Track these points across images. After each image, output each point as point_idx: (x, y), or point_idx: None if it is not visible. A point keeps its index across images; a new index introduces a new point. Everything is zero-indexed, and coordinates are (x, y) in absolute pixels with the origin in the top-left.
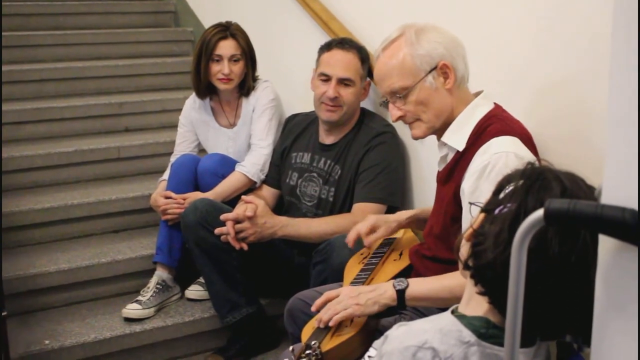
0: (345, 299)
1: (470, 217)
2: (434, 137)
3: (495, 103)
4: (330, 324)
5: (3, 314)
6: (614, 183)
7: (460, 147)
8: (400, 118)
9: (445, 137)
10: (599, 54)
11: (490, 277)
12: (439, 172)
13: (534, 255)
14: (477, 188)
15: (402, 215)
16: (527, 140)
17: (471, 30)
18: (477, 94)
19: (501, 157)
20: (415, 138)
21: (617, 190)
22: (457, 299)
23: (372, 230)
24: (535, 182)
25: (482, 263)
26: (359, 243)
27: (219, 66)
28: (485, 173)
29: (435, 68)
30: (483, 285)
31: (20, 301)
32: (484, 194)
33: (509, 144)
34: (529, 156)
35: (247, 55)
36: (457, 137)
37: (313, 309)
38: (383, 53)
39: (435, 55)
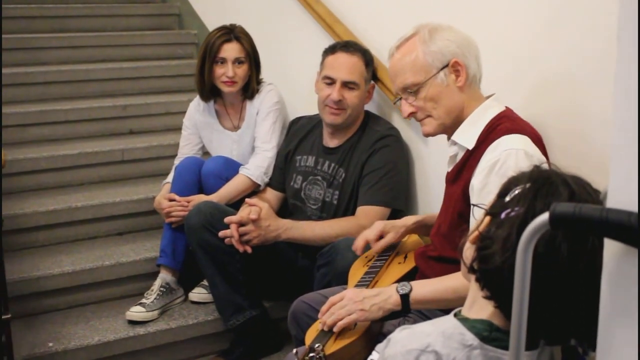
0: (349, 304)
1: (474, 219)
2: (438, 141)
3: (506, 106)
4: (335, 329)
5: (7, 316)
6: (619, 187)
7: (470, 145)
8: (411, 114)
9: (456, 136)
10: (600, 53)
11: (497, 282)
12: (448, 172)
13: (543, 260)
14: (486, 184)
15: (409, 219)
16: (537, 141)
17: (473, 30)
18: (489, 96)
19: (511, 154)
20: (426, 135)
21: (622, 194)
22: (462, 299)
23: (381, 236)
24: (543, 186)
25: (489, 268)
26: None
27: (223, 69)
28: (495, 169)
29: (447, 65)
30: (489, 289)
31: (24, 304)
32: (493, 191)
33: (519, 142)
34: (538, 155)
35: (251, 58)
36: (467, 135)
37: (319, 315)
38: (397, 51)
39: (447, 53)
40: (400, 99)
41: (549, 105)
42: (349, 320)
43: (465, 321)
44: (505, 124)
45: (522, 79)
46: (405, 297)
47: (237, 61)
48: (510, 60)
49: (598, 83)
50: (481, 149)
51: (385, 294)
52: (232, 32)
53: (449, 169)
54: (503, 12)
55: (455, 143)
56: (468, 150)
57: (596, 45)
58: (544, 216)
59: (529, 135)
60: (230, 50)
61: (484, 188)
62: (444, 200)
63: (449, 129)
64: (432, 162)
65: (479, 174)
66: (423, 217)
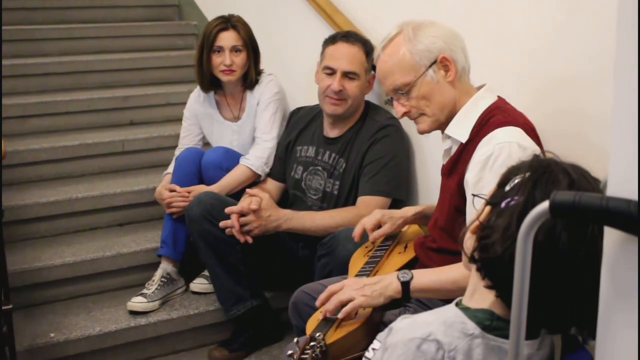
0: (349, 291)
1: (474, 209)
2: (438, 131)
3: (498, 96)
4: (340, 315)
5: (8, 307)
6: (619, 175)
7: (464, 138)
8: (405, 114)
9: (449, 130)
10: (602, 51)
11: (498, 271)
12: (443, 165)
13: (543, 249)
14: (480, 179)
15: (409, 211)
16: (530, 131)
17: (476, 27)
18: (480, 87)
19: (504, 147)
20: (422, 132)
21: (622, 183)
22: (462, 291)
23: (378, 225)
24: (543, 175)
25: (490, 257)
26: (364, 236)
27: (220, 57)
28: (489, 163)
29: (435, 62)
30: (491, 279)
31: (25, 294)
32: (488, 185)
33: (513, 134)
34: (532, 146)
35: (249, 47)
36: (460, 129)
37: (317, 304)
38: (383, 52)
39: (434, 50)
40: (391, 99)
41: (550, 103)
42: (353, 305)
43: (466, 310)
44: (497, 116)
45: (523, 78)
46: (405, 285)
47: (235, 49)
48: (512, 59)
49: (600, 82)
50: (474, 142)
51: (386, 281)
52: (229, 21)
53: (444, 162)
54: (506, 12)
55: (448, 137)
56: (462, 143)
57: (599, 44)
58: (544, 205)
59: (522, 127)
60: (227, 38)
61: (478, 182)
62: (440, 193)
63: (443, 124)
64: (432, 152)
65: (472, 168)
66: (422, 208)
